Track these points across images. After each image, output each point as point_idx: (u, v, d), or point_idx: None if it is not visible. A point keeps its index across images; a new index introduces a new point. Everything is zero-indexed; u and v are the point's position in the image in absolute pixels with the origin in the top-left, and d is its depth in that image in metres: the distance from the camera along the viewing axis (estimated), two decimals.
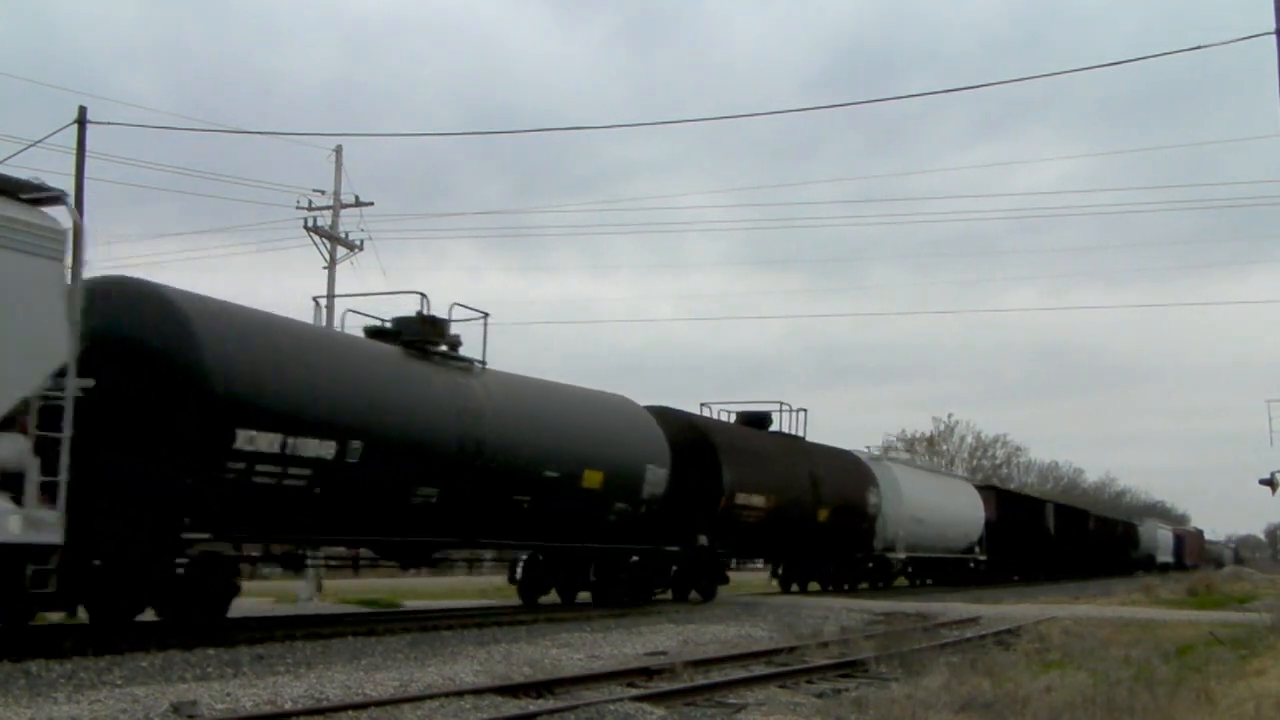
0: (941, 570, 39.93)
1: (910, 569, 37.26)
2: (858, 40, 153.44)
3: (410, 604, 22.97)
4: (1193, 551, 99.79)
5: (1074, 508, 66.15)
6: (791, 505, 26.01)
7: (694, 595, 23.72)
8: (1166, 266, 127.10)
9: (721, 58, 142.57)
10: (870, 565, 33.34)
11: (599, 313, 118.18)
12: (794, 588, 31.66)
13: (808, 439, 29.36)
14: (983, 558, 42.35)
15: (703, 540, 22.85)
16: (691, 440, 22.67)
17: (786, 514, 25.71)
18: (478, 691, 9.71)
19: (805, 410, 29.09)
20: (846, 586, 32.48)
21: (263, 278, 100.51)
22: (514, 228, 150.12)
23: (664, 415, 22.68)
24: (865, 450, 35.83)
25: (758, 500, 24.27)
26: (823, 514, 27.86)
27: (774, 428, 28.36)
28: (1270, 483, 38.77)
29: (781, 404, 28.72)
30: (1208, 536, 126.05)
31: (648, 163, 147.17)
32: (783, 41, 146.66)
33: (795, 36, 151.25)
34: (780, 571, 32.14)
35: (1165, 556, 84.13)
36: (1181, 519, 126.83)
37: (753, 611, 21.16)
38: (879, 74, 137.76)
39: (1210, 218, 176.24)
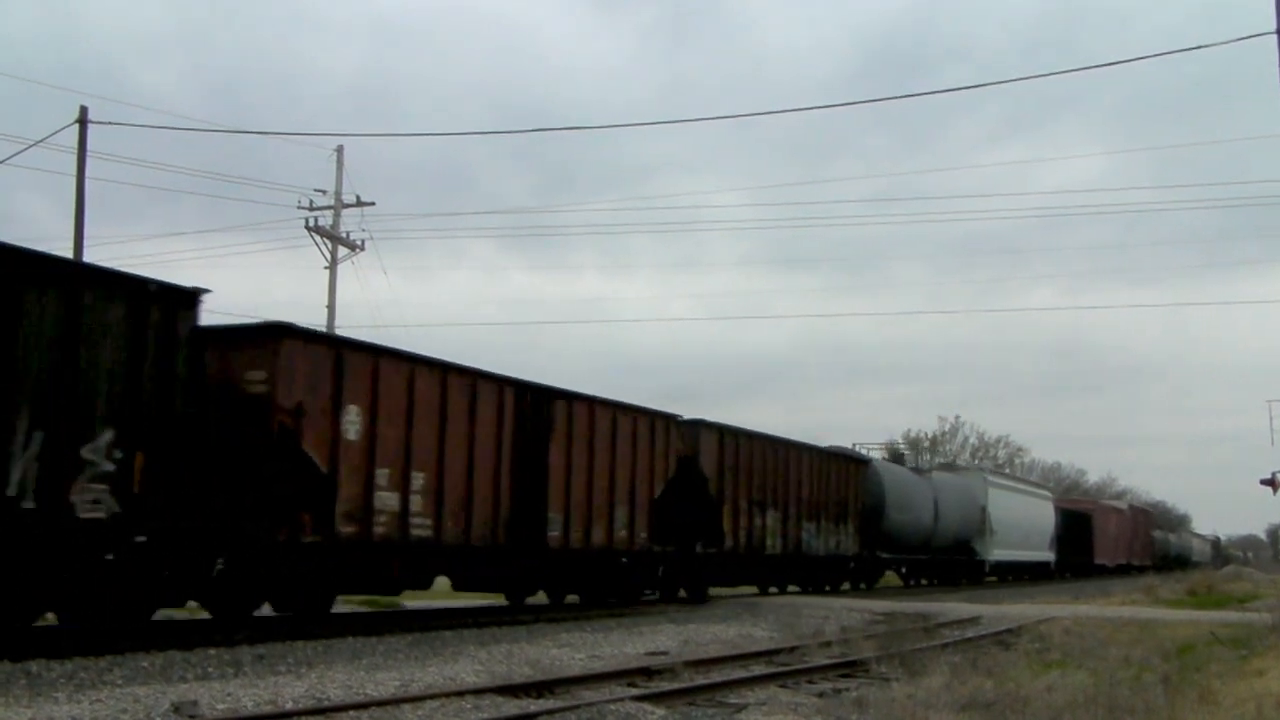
0: None
1: None
2: (889, 38, 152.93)
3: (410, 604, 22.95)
4: (1123, 544, 62.99)
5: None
6: None
7: None
8: (1188, 265, 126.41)
9: (752, 56, 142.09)
10: None
11: (619, 312, 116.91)
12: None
13: None
14: None
15: None
16: None
17: None
18: (478, 691, 9.71)
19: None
20: None
21: (273, 277, 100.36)
22: (535, 226, 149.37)
23: None
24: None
25: None
26: None
27: None
28: (1271, 482, 38.84)
29: None
30: (1196, 530, 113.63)
31: (672, 160, 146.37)
32: (815, 40, 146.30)
33: (827, 35, 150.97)
34: None
35: (1020, 550, 45.08)
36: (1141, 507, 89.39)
37: (753, 611, 21.16)
38: (910, 72, 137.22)
39: (1235, 216, 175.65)
